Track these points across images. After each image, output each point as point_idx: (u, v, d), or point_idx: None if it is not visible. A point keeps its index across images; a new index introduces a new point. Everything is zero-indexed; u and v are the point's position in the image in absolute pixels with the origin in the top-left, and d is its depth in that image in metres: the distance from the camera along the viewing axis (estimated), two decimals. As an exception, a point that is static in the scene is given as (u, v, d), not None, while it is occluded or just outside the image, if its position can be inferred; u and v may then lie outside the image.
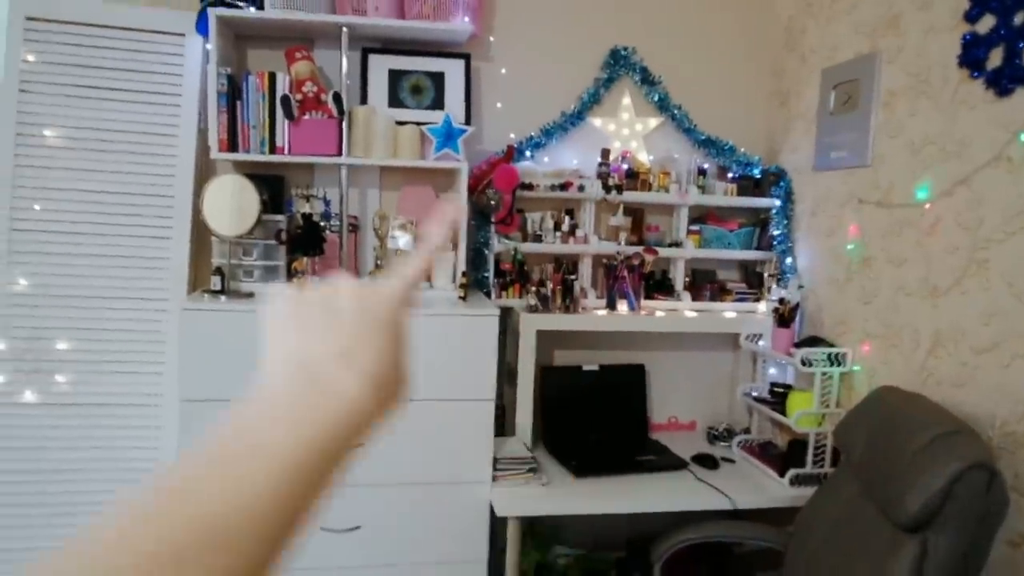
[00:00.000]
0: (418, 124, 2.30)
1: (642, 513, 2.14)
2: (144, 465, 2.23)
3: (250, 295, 2.13)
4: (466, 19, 2.32)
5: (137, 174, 2.24)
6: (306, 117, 2.20)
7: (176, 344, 2.16)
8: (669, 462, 2.36)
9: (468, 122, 2.38)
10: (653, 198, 2.55)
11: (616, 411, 2.60)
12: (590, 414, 2.55)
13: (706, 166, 2.61)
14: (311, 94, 2.19)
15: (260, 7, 2.18)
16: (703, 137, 2.60)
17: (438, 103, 2.40)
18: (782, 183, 2.55)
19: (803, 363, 2.17)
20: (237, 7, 2.16)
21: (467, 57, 2.43)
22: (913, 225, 1.98)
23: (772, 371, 2.56)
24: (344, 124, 2.22)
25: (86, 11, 2.19)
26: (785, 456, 2.30)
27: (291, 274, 2.24)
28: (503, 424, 2.36)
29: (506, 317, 2.38)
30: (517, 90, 2.56)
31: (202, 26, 2.19)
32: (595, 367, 2.58)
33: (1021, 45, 1.65)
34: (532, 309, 2.35)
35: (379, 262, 2.38)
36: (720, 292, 2.61)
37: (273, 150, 2.21)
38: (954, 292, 1.84)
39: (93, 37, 2.21)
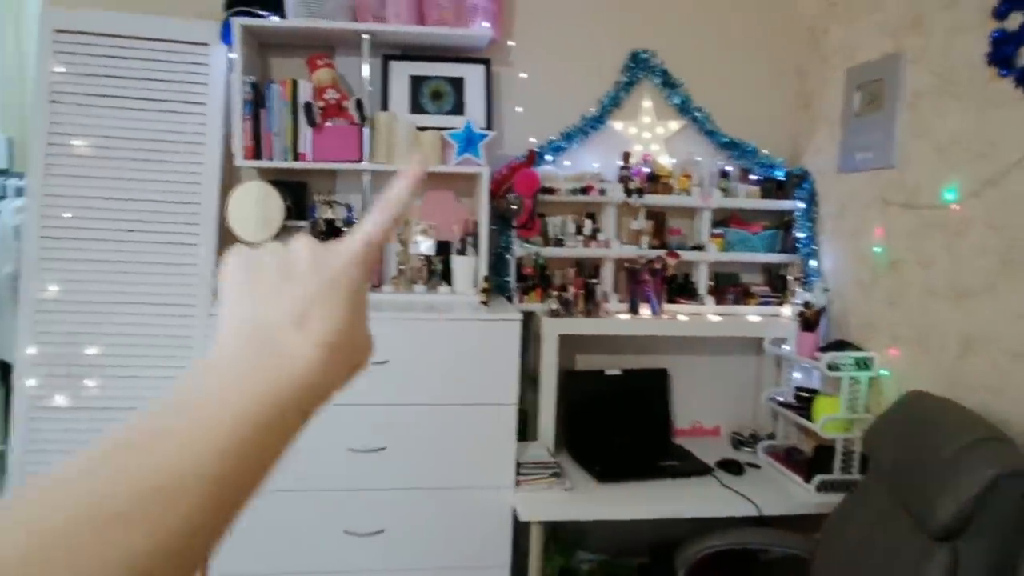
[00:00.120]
0: (439, 129, 2.31)
1: (666, 519, 2.12)
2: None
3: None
4: (486, 24, 2.33)
5: (164, 182, 2.28)
6: (328, 124, 2.23)
7: (202, 349, 2.18)
8: (693, 467, 2.34)
9: (489, 127, 2.39)
10: (675, 201, 2.53)
11: (639, 416, 2.58)
12: (613, 419, 2.53)
13: (729, 169, 2.59)
14: (333, 101, 2.21)
15: (283, 16, 2.20)
16: (725, 139, 2.58)
17: (459, 108, 2.41)
18: (806, 185, 2.52)
19: (830, 367, 2.14)
20: (260, 16, 2.19)
21: (487, 62, 2.43)
22: (941, 226, 1.95)
23: (797, 375, 2.52)
24: (366, 130, 2.24)
25: (113, 23, 2.24)
26: (811, 462, 2.27)
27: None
28: (525, 429, 2.36)
29: (528, 322, 2.37)
30: (537, 94, 2.56)
31: (226, 35, 2.22)
32: (618, 371, 2.56)
33: (1052, 42, 1.62)
34: (554, 313, 2.35)
35: (401, 267, 2.39)
36: (744, 296, 2.58)
37: (296, 157, 2.24)
38: (984, 294, 1.80)
39: (120, 48, 2.25)
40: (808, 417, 2.24)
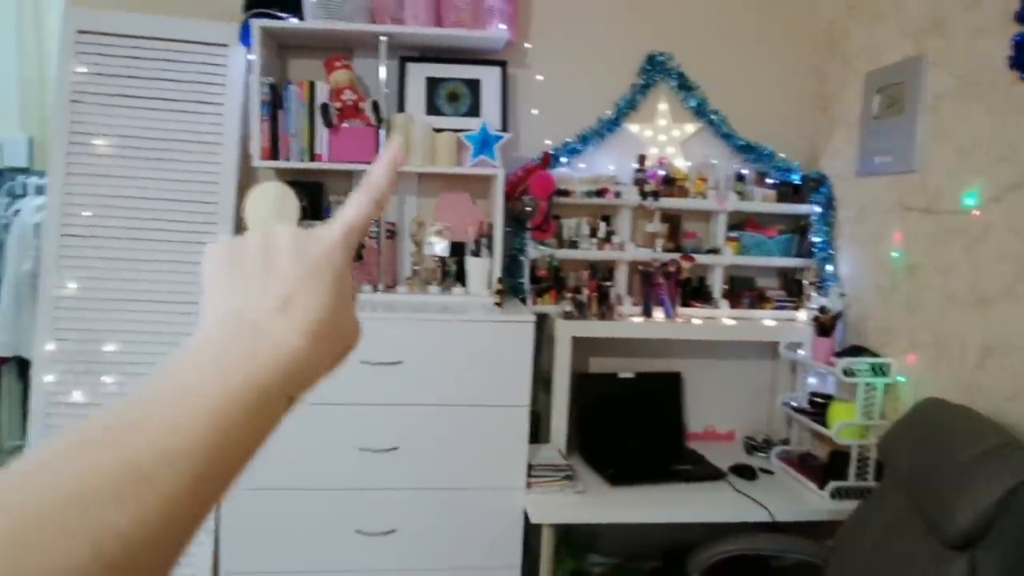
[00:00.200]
0: (455, 131, 2.31)
1: (678, 523, 2.11)
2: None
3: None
4: (502, 27, 2.33)
5: (182, 181, 2.30)
6: (345, 125, 2.24)
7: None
8: (706, 472, 2.32)
9: (504, 129, 2.39)
10: (690, 204, 2.52)
11: (652, 419, 2.57)
12: (626, 422, 2.52)
13: (745, 172, 2.57)
14: (350, 102, 2.22)
15: (301, 18, 2.22)
16: (742, 143, 2.57)
17: (475, 110, 2.41)
18: (823, 189, 2.50)
19: (846, 373, 2.12)
20: (279, 18, 2.20)
21: (503, 64, 2.44)
22: (961, 232, 1.93)
23: (812, 381, 2.50)
24: (382, 132, 2.24)
25: (134, 24, 2.26)
26: (826, 468, 2.25)
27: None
28: (538, 431, 2.36)
29: (542, 324, 2.37)
30: (553, 97, 2.56)
31: (245, 37, 2.24)
32: (631, 375, 2.56)
33: (1077, 46, 1.60)
34: (568, 316, 2.34)
35: (415, 268, 2.40)
36: (759, 300, 2.57)
37: (313, 158, 2.25)
38: (1005, 301, 1.78)
39: (141, 49, 2.27)
40: (823, 423, 2.22)
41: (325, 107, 2.20)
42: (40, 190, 3.13)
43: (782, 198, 2.56)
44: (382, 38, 2.24)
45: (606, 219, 2.51)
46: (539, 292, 2.43)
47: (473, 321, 2.07)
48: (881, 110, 2.27)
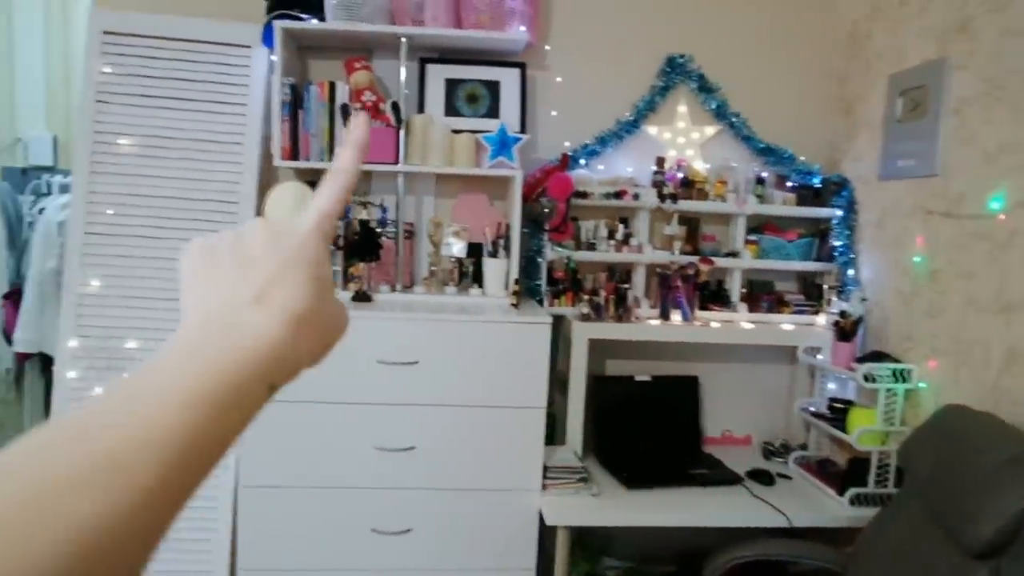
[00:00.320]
0: (474, 132, 2.32)
1: (694, 528, 2.10)
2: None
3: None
4: (522, 28, 2.34)
5: (204, 180, 2.33)
6: (365, 126, 2.25)
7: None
8: (723, 476, 2.31)
9: (523, 130, 2.39)
10: (709, 207, 2.51)
11: (668, 423, 2.56)
12: (642, 425, 2.51)
13: (764, 175, 2.55)
14: (370, 103, 2.24)
15: (322, 19, 2.24)
16: (762, 145, 2.55)
17: (493, 111, 2.42)
18: (844, 192, 2.48)
19: (866, 379, 2.10)
20: (300, 19, 2.22)
21: (522, 66, 2.44)
22: (985, 237, 1.90)
23: (831, 386, 2.48)
24: (401, 132, 2.26)
25: (159, 25, 2.29)
26: (845, 474, 2.23)
27: (348, 279, 2.29)
28: (554, 433, 2.35)
29: (558, 325, 2.37)
30: (572, 98, 2.56)
31: (267, 38, 2.26)
32: (647, 378, 2.55)
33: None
34: (584, 318, 2.34)
35: (432, 268, 2.41)
36: (777, 304, 2.55)
37: (332, 158, 2.26)
38: (1030, 308, 1.75)
39: (165, 49, 2.30)
40: (842, 428, 2.20)
41: (345, 107, 2.22)
42: (65, 188, 3.18)
43: (802, 201, 2.54)
44: (402, 39, 2.25)
45: (624, 221, 2.51)
46: (556, 294, 2.43)
47: (490, 322, 2.08)
48: (904, 113, 2.25)
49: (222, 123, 2.34)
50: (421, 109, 2.39)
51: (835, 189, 2.50)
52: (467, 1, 2.33)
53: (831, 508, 2.14)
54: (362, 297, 2.21)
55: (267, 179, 2.37)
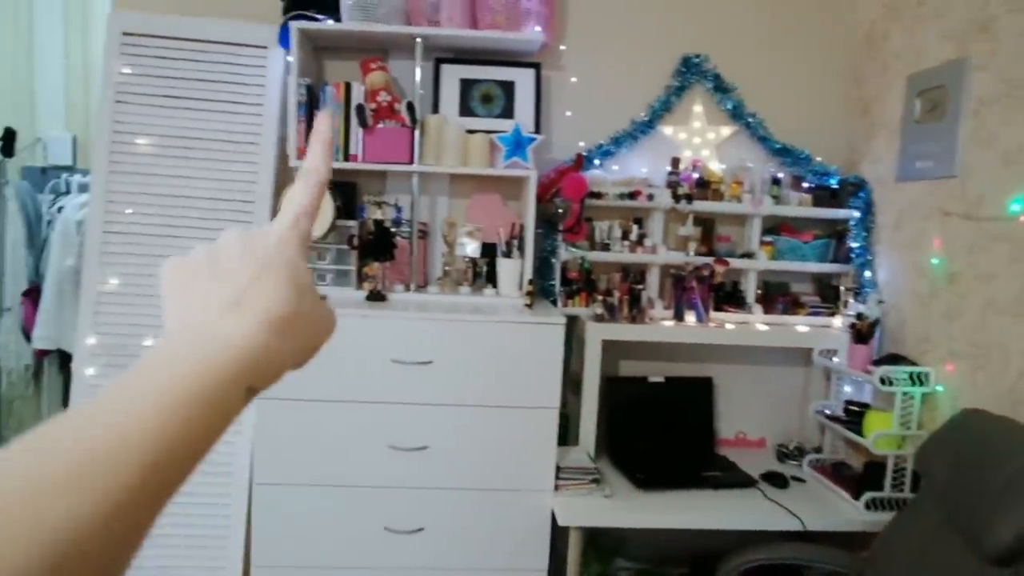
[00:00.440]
0: (488, 133, 2.32)
1: (707, 530, 2.09)
2: (222, 449, 2.31)
3: (322, 298, 2.19)
4: (537, 29, 2.34)
5: (221, 180, 2.34)
6: (380, 126, 2.26)
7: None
8: (737, 479, 2.30)
9: (538, 131, 2.39)
10: (724, 208, 2.50)
11: (682, 424, 2.55)
12: (655, 426, 2.51)
13: (780, 176, 2.54)
14: (385, 103, 2.25)
15: (338, 20, 2.25)
16: (778, 146, 2.54)
17: (508, 112, 2.42)
18: (861, 194, 2.46)
19: (883, 382, 2.08)
20: (316, 20, 2.23)
21: (538, 66, 2.44)
22: (1006, 239, 1.88)
23: (847, 389, 2.46)
24: (416, 133, 2.26)
25: (178, 26, 2.31)
26: (860, 478, 2.21)
27: (362, 278, 2.30)
28: (567, 433, 2.35)
29: (572, 326, 2.37)
30: (587, 98, 2.56)
31: (284, 39, 2.27)
32: (661, 379, 2.54)
33: None
34: (598, 318, 2.34)
35: (446, 268, 2.41)
36: (793, 305, 2.53)
37: (347, 158, 2.28)
38: (1051, 311, 1.73)
39: (183, 50, 2.32)
40: (858, 432, 2.18)
41: (360, 108, 2.23)
42: (83, 188, 3.21)
43: (818, 202, 2.52)
44: (417, 40, 2.26)
45: (638, 222, 2.50)
46: (570, 294, 2.43)
47: (503, 322, 2.08)
48: (922, 114, 2.22)
49: (239, 123, 2.35)
50: (436, 109, 2.40)
51: (852, 190, 2.48)
52: (483, 2, 2.33)
53: (846, 512, 2.13)
54: (376, 296, 2.22)
55: (283, 179, 2.38)
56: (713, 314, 2.45)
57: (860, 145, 2.58)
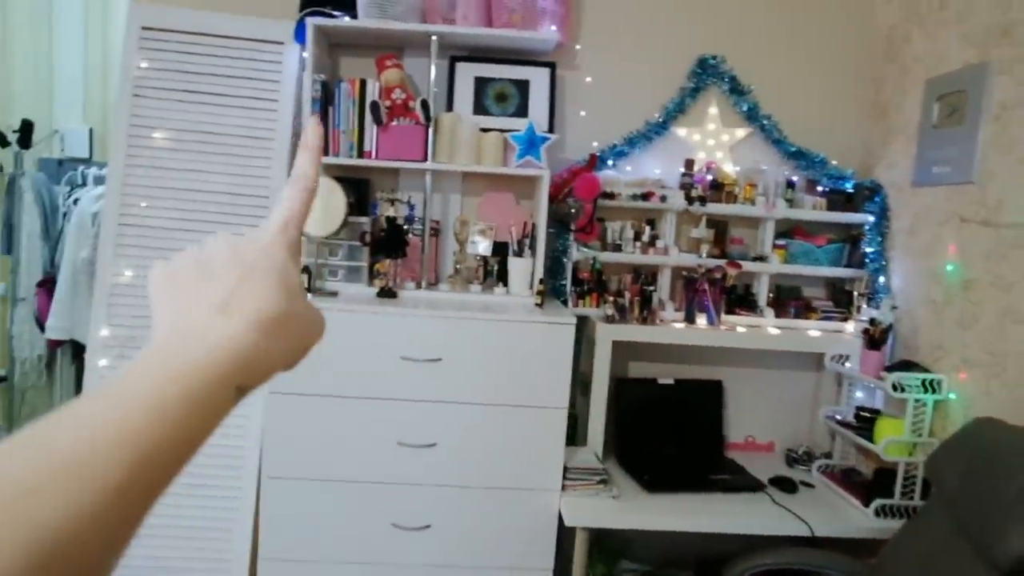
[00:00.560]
0: (502, 131, 2.32)
1: (714, 534, 2.08)
2: (232, 443, 2.33)
3: (334, 294, 2.20)
4: (553, 28, 2.33)
5: (235, 175, 2.36)
6: (394, 123, 2.26)
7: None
8: (745, 483, 2.29)
9: (551, 130, 2.39)
10: (738, 210, 2.48)
11: (691, 427, 2.54)
12: (664, 429, 2.50)
13: (795, 179, 2.52)
14: (399, 101, 2.25)
15: (355, 16, 2.25)
16: (793, 149, 2.52)
17: (522, 111, 2.41)
18: (877, 198, 2.44)
19: (895, 388, 2.06)
20: (333, 17, 2.24)
21: (552, 65, 2.44)
22: None
23: (859, 394, 2.44)
24: (430, 130, 2.26)
25: (195, 21, 2.33)
26: (870, 485, 2.20)
27: (373, 275, 2.30)
28: (575, 434, 2.35)
29: (582, 326, 2.37)
30: (601, 98, 2.55)
31: (300, 35, 2.28)
32: (671, 381, 2.53)
33: None
34: (609, 319, 2.33)
35: (457, 266, 2.41)
36: (805, 309, 2.52)
37: (361, 154, 2.28)
38: (1068, 320, 1.71)
39: (201, 45, 2.34)
40: (869, 438, 2.17)
41: (375, 105, 2.23)
42: (99, 180, 3.24)
43: (833, 206, 2.50)
44: (433, 38, 2.26)
45: (651, 223, 2.49)
46: (581, 294, 2.42)
47: (514, 321, 2.08)
48: (941, 119, 2.20)
49: (254, 119, 2.37)
50: (450, 107, 2.40)
51: (868, 195, 2.46)
52: (499, 0, 2.33)
53: (855, 518, 2.11)
54: (387, 294, 2.23)
55: (297, 174, 2.39)
56: (724, 317, 2.44)
57: (876, 149, 2.56)
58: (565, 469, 2.13)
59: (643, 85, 2.55)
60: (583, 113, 2.55)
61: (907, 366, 2.19)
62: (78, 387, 3.03)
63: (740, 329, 2.41)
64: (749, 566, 1.95)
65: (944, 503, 1.70)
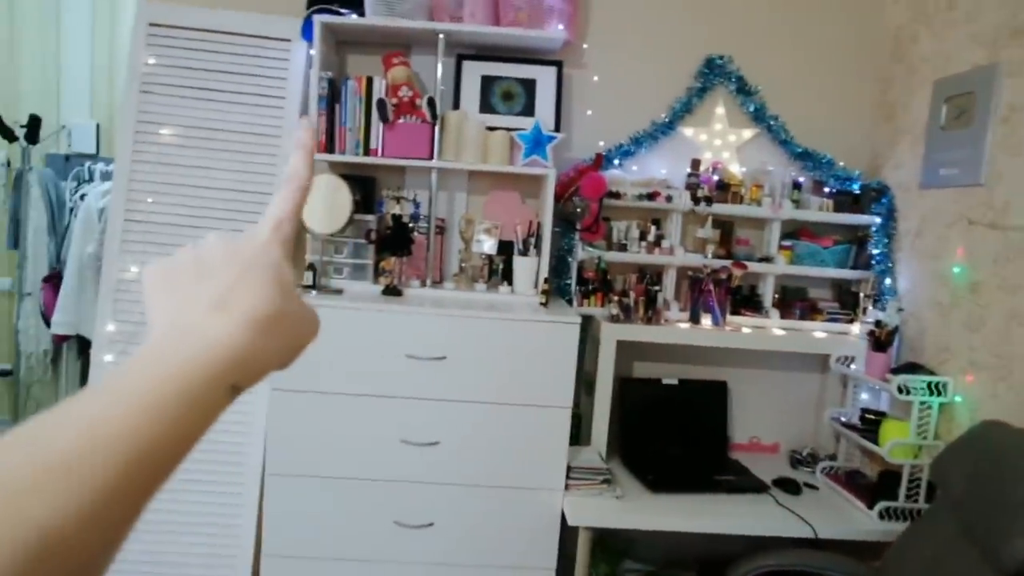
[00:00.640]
0: (508, 130, 2.32)
1: (717, 534, 2.07)
2: (234, 440, 2.33)
3: (339, 291, 2.20)
4: (560, 27, 2.33)
5: (242, 172, 2.36)
6: (400, 121, 2.26)
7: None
8: (749, 484, 2.28)
9: (558, 129, 2.39)
10: (744, 211, 2.48)
11: (695, 427, 2.53)
12: (668, 429, 2.50)
13: (801, 180, 2.51)
14: (406, 99, 2.25)
15: (362, 14, 2.25)
16: (800, 149, 2.51)
17: (529, 110, 2.41)
18: (884, 200, 2.43)
19: (900, 390, 2.06)
20: (340, 14, 2.24)
21: (559, 64, 2.43)
22: (1032, 250, 1.85)
23: (864, 396, 2.43)
24: (436, 128, 2.26)
25: (202, 18, 2.33)
26: (874, 487, 2.19)
27: (379, 273, 2.30)
28: (579, 433, 2.35)
29: (587, 325, 2.36)
30: (608, 98, 2.55)
31: (307, 32, 2.28)
32: (675, 381, 2.53)
33: None
34: (613, 319, 2.33)
35: (463, 265, 2.41)
36: (810, 311, 2.51)
37: (367, 152, 2.28)
38: (1076, 324, 1.70)
39: (208, 42, 2.34)
40: (874, 440, 2.16)
41: (382, 102, 2.23)
42: (106, 176, 3.25)
43: (840, 208, 2.49)
44: (440, 36, 2.26)
45: (656, 223, 2.49)
46: (586, 294, 2.42)
47: (518, 320, 2.08)
48: (949, 120, 2.19)
49: (260, 116, 2.37)
50: (456, 105, 2.40)
51: (874, 196, 2.45)
52: (506, -2, 2.33)
53: (859, 521, 2.11)
54: (392, 291, 2.23)
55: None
56: (729, 318, 2.43)
57: (883, 150, 2.55)
58: (569, 468, 2.12)
59: (650, 85, 2.54)
60: (589, 112, 2.55)
61: (913, 368, 2.18)
62: (83, 382, 3.04)
63: (745, 330, 2.41)
64: (752, 567, 1.95)
65: (949, 506, 1.69)
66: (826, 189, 2.52)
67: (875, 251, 2.44)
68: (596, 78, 2.54)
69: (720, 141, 2.56)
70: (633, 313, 2.34)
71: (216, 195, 2.35)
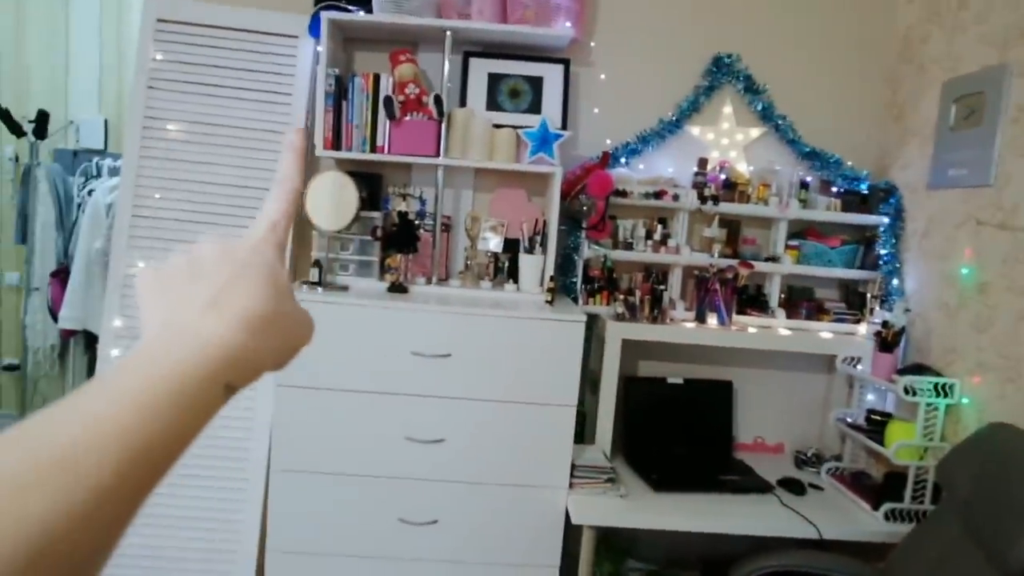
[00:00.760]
0: (515, 128, 2.31)
1: (721, 534, 2.07)
2: (237, 435, 2.34)
3: (344, 288, 2.21)
4: (567, 24, 2.33)
5: (248, 168, 2.37)
6: (407, 118, 2.26)
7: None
8: (753, 484, 2.28)
9: (564, 127, 2.38)
10: (751, 210, 2.47)
11: (700, 427, 2.53)
12: (673, 428, 2.49)
13: (809, 179, 2.51)
14: (413, 96, 2.25)
15: (369, 11, 2.25)
16: (807, 149, 2.50)
17: (535, 107, 2.41)
18: (892, 200, 2.42)
19: (906, 391, 2.05)
20: (347, 11, 2.24)
21: (566, 62, 2.43)
22: (1040, 251, 1.84)
23: (870, 397, 2.43)
24: (443, 126, 2.26)
25: (210, 14, 2.33)
26: (880, 488, 2.18)
27: (384, 270, 2.31)
28: (583, 432, 2.35)
29: (592, 324, 2.36)
30: (615, 96, 2.54)
31: (314, 29, 2.28)
32: (680, 380, 2.52)
33: None
34: (619, 317, 2.32)
35: (468, 263, 2.41)
36: (817, 311, 2.50)
37: (374, 149, 2.28)
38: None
39: (215, 38, 2.34)
40: (880, 441, 2.15)
41: (388, 100, 2.23)
42: (114, 171, 3.26)
43: (848, 208, 2.48)
44: (447, 33, 2.26)
45: (663, 222, 2.48)
46: (591, 292, 2.42)
47: (524, 318, 2.07)
48: (958, 121, 2.18)
49: (267, 112, 2.37)
50: (463, 103, 2.40)
51: (882, 196, 2.44)
52: (513, -4, 2.32)
53: (864, 522, 2.10)
54: (398, 288, 2.23)
55: (309, 169, 2.39)
56: (735, 317, 2.42)
57: (892, 150, 2.54)
58: (573, 467, 2.12)
59: (657, 83, 2.54)
60: (596, 110, 2.54)
61: (919, 369, 2.17)
62: (90, 377, 3.05)
63: (751, 330, 2.40)
64: (756, 567, 1.94)
65: (955, 508, 1.69)
66: (834, 189, 2.51)
67: (882, 251, 2.43)
68: (603, 76, 2.54)
69: (727, 140, 2.55)
70: (639, 312, 2.34)
71: (223, 191, 2.36)
